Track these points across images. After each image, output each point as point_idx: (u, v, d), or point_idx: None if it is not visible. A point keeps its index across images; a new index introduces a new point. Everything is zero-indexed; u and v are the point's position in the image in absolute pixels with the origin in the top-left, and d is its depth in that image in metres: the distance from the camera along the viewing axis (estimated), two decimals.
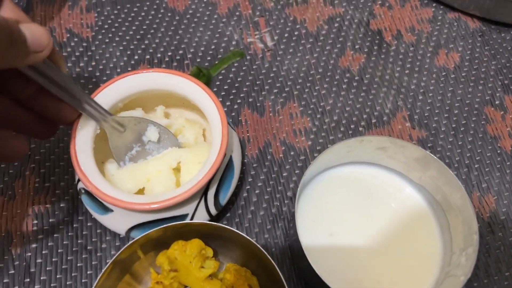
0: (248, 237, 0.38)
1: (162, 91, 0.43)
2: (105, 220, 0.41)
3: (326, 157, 0.43)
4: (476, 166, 0.51)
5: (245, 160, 0.51)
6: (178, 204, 0.39)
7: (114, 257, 0.37)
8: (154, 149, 0.43)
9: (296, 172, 0.50)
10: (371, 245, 0.44)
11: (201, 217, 0.41)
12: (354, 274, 0.43)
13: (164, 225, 0.38)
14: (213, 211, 0.42)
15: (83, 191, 0.41)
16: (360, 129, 0.53)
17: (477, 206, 0.49)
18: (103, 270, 0.36)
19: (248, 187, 0.49)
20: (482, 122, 0.53)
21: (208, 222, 0.39)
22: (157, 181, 0.41)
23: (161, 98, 0.45)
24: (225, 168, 0.42)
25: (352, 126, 0.53)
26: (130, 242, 0.38)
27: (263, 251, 0.37)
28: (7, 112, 0.34)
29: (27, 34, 0.29)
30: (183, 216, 0.40)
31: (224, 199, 0.42)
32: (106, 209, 0.40)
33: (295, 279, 0.45)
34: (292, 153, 0.51)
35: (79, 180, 0.42)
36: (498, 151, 0.52)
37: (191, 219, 0.41)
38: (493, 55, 0.58)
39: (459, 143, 0.52)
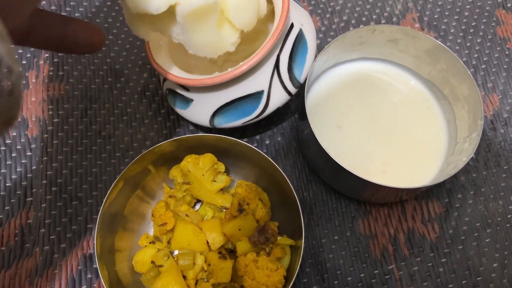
0: (261, 152, 0.39)
1: None
2: (189, 112, 0.42)
3: (337, 47, 0.44)
4: (483, 66, 0.51)
5: None
6: (250, 77, 0.38)
7: (122, 172, 0.38)
8: None
9: None
10: (378, 137, 0.46)
11: (279, 95, 0.40)
12: (361, 163, 0.44)
13: (176, 138, 0.40)
14: (291, 88, 0.40)
15: (167, 91, 0.43)
16: None
17: (482, 103, 0.50)
18: (112, 185, 0.38)
19: None
20: (492, 24, 0.53)
21: (221, 135, 0.40)
22: None
23: None
24: (296, 40, 0.40)
25: (361, 27, 0.53)
26: (140, 155, 0.39)
27: (275, 164, 0.38)
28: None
29: None
30: (259, 94, 0.39)
31: (300, 75, 0.40)
32: (187, 101, 0.41)
33: (299, 166, 0.47)
34: None
35: (164, 80, 0.43)
36: (507, 52, 0.52)
37: (268, 97, 0.39)
38: None
39: (468, 44, 0.52)
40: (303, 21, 0.41)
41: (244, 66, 0.36)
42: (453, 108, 0.45)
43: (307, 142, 0.43)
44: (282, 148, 0.47)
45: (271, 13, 0.41)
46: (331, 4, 0.54)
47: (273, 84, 0.39)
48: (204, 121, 0.41)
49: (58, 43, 0.28)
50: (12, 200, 0.44)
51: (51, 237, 0.43)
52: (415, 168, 0.44)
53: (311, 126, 0.39)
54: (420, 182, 0.43)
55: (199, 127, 0.48)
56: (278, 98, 0.40)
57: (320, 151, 0.39)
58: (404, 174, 0.44)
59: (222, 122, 0.41)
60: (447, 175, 0.39)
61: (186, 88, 0.41)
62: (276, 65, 0.39)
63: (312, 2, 0.54)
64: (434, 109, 0.47)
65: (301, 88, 0.41)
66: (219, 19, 0.34)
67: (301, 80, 0.41)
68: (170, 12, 0.32)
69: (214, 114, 0.41)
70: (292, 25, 0.40)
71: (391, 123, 0.46)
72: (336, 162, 0.38)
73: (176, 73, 0.39)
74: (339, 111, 0.47)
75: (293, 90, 0.41)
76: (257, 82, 0.39)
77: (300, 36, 0.40)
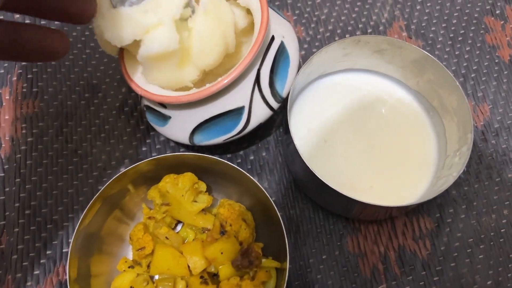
0: (243, 171, 0.37)
1: None
2: (167, 130, 0.40)
3: (321, 59, 0.42)
4: (472, 75, 0.50)
5: None
6: (229, 93, 0.37)
7: (99, 191, 0.36)
8: None
9: None
10: (365, 150, 0.44)
11: (261, 111, 0.38)
12: (348, 178, 0.43)
13: (155, 157, 0.38)
14: (273, 103, 0.39)
15: (145, 108, 0.41)
16: None
17: (471, 115, 0.48)
18: (88, 205, 0.36)
19: None
20: (481, 32, 0.52)
21: (200, 154, 0.38)
22: (157, 36, 0.33)
23: None
24: (277, 53, 0.38)
25: (347, 36, 0.51)
26: (118, 174, 0.37)
27: (258, 183, 0.37)
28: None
29: None
30: (240, 110, 0.38)
31: (283, 90, 0.39)
32: (165, 118, 0.40)
33: (285, 183, 0.45)
34: None
35: (141, 97, 0.42)
36: (496, 61, 0.50)
37: (249, 113, 0.38)
38: None
39: (456, 52, 0.51)
40: (284, 33, 0.40)
41: (221, 82, 0.35)
42: (443, 120, 0.43)
43: (292, 158, 0.42)
44: (267, 164, 0.46)
45: (251, 25, 0.40)
46: (316, 13, 0.52)
47: (254, 99, 0.38)
48: (184, 138, 0.40)
49: (6, 49, 0.25)
50: None
51: (23, 263, 0.41)
52: (404, 183, 0.43)
53: (295, 142, 0.37)
54: (410, 197, 0.42)
55: (180, 144, 0.46)
56: (260, 114, 0.39)
57: (305, 167, 0.37)
58: (393, 189, 0.42)
59: (202, 140, 0.39)
60: (437, 191, 0.37)
61: (163, 105, 0.39)
62: (257, 80, 0.37)
63: (297, 12, 0.52)
64: (423, 121, 0.45)
65: (285, 102, 0.40)
66: (183, 57, 0.35)
67: (284, 94, 0.39)
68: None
69: (194, 132, 0.39)
70: (273, 38, 0.38)
71: (379, 136, 0.45)
72: (321, 180, 0.36)
73: (151, 89, 0.37)
74: (325, 124, 0.45)
75: (275, 105, 0.39)
76: (237, 98, 0.37)
77: (281, 49, 0.38)
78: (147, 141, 0.46)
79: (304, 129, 0.44)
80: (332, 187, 0.36)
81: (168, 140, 0.46)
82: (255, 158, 0.46)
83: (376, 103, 0.46)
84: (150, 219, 0.40)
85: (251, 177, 0.37)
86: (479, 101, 0.49)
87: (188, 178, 0.40)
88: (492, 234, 0.43)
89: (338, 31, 0.52)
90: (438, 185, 0.40)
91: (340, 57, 0.44)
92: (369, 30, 0.52)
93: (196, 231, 0.41)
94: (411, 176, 0.43)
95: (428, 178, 0.43)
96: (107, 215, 0.39)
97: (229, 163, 0.38)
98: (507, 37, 0.52)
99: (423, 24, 0.52)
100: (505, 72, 0.50)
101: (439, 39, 0.51)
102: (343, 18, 0.52)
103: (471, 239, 0.43)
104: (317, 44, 0.51)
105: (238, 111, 0.38)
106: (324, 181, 0.36)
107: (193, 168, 0.40)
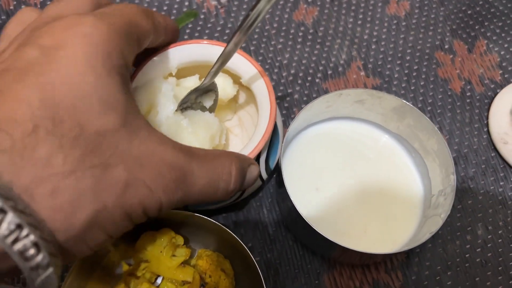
0: (217, 223, 0.39)
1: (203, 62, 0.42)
2: None
3: (306, 113, 0.44)
4: (428, 108, 0.53)
5: None
6: None
7: None
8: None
9: None
10: (356, 196, 0.46)
11: (255, 184, 0.41)
12: (342, 225, 0.45)
13: None
14: (264, 175, 0.42)
15: None
16: (317, 80, 0.54)
17: (452, 158, 0.51)
18: (70, 269, 0.36)
19: None
20: (433, 66, 0.55)
21: (176, 210, 0.39)
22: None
23: (196, 69, 0.43)
24: (272, 134, 0.41)
25: (309, 79, 0.54)
26: None
27: (233, 235, 0.38)
28: None
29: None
30: None
31: (273, 163, 0.42)
32: None
33: (261, 228, 0.47)
34: None
35: None
36: (449, 93, 0.54)
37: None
38: (441, 2, 0.59)
39: (412, 88, 0.54)
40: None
41: None
42: (425, 161, 0.46)
43: (287, 210, 0.43)
44: (242, 211, 0.47)
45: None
46: (278, 58, 0.55)
47: None
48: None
49: None
50: None
51: None
52: (395, 224, 0.45)
53: (289, 192, 0.39)
54: (402, 238, 0.44)
55: None
56: (254, 186, 0.42)
57: (301, 220, 0.39)
58: (386, 232, 0.44)
59: (197, 206, 0.42)
60: (428, 234, 0.39)
61: None
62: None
63: (260, 58, 0.54)
64: (407, 163, 0.47)
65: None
66: None
67: (273, 166, 0.42)
68: None
69: None
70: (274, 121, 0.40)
71: (367, 180, 0.47)
72: (316, 231, 0.38)
73: None
74: (315, 173, 0.47)
75: (265, 176, 0.42)
76: None
77: (275, 129, 0.41)
78: None
79: (295, 179, 0.46)
80: (328, 237, 0.37)
81: None
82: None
83: (361, 148, 0.48)
84: (130, 276, 0.41)
85: (227, 229, 0.39)
86: None
87: (165, 234, 0.41)
88: (457, 260, 0.46)
89: (300, 74, 0.54)
90: (427, 225, 0.42)
91: (323, 108, 0.46)
92: (329, 72, 0.54)
93: (176, 284, 0.42)
94: (401, 217, 0.45)
95: (417, 218, 0.45)
96: (89, 276, 0.40)
97: (204, 216, 0.39)
98: (457, 70, 0.55)
99: (379, 63, 0.55)
100: (458, 104, 0.53)
101: (395, 75, 0.55)
102: (304, 61, 0.55)
103: (439, 267, 0.46)
104: (281, 88, 0.53)
105: None
106: (319, 231, 0.37)
107: (169, 223, 0.41)
